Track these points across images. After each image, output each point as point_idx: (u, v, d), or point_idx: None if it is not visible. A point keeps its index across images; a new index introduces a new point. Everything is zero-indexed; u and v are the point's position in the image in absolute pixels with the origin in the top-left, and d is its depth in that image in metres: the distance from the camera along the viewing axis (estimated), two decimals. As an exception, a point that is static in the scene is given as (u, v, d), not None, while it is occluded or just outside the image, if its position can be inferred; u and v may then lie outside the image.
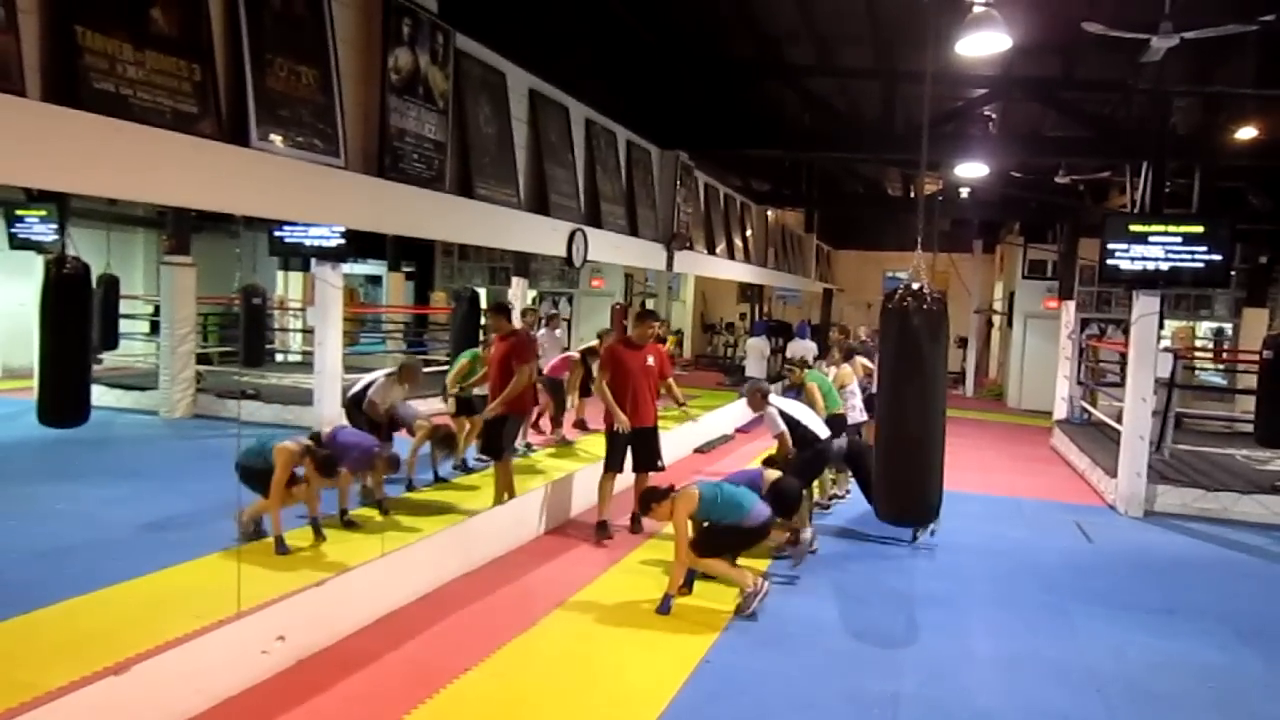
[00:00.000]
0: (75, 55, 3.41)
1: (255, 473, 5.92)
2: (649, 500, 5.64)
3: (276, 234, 10.53)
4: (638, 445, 7.03)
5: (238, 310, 12.20)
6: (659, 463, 7.16)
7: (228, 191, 4.11)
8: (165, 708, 3.81)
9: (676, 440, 10.52)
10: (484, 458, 7.97)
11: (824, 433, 7.09)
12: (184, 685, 3.92)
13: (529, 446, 9.49)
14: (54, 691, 3.54)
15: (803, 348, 13.16)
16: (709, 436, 11.14)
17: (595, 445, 8.62)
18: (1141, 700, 4.65)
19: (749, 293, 21.55)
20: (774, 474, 6.40)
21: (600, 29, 8.87)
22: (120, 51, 3.58)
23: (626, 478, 7.13)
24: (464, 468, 8.49)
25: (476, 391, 8.30)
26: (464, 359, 8.63)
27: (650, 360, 7.09)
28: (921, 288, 4.65)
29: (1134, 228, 8.85)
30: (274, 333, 14.73)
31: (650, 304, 18.44)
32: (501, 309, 7.59)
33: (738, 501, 5.56)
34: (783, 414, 6.98)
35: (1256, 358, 9.31)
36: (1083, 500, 9.55)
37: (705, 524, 5.56)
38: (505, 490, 7.04)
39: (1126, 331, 9.98)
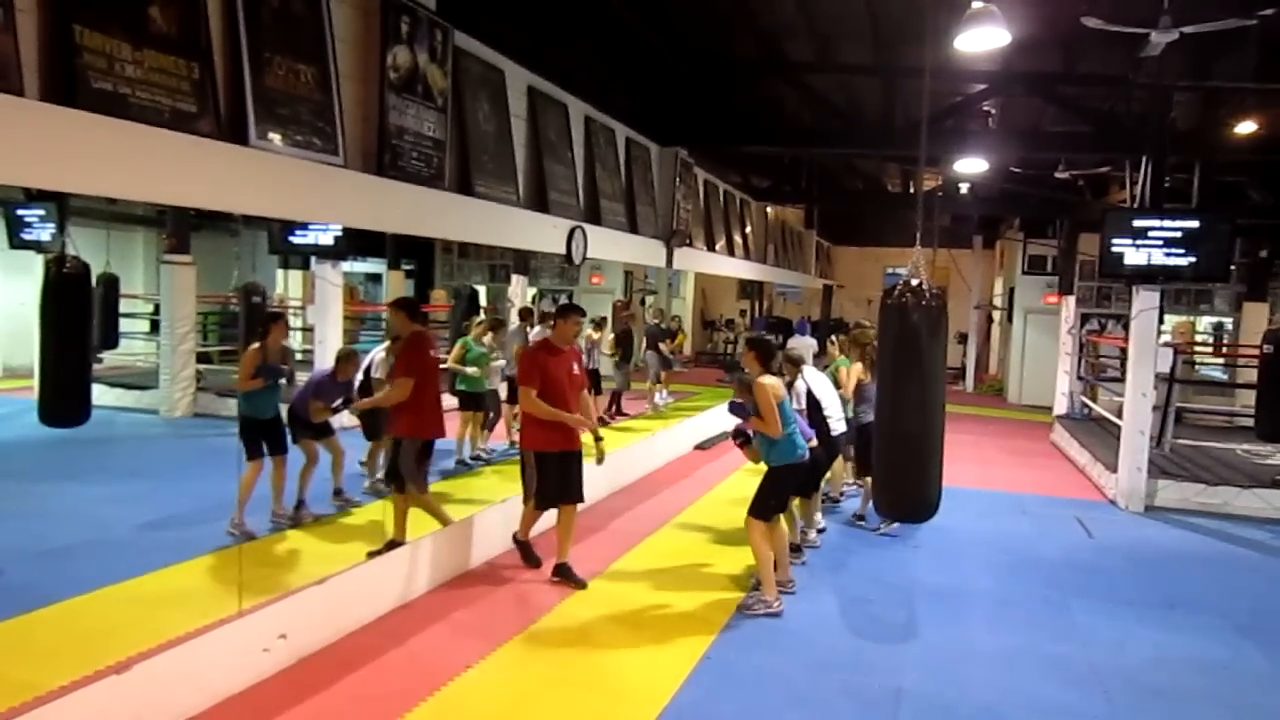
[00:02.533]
0: (73, 54, 3.40)
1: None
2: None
3: (290, 238, 10.36)
4: (565, 472, 5.90)
5: (237, 308, 12.19)
6: (581, 493, 6.05)
7: (226, 190, 4.11)
8: (167, 706, 3.82)
9: (676, 438, 10.56)
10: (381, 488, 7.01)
11: (839, 428, 6.90)
12: (186, 684, 3.93)
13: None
14: (56, 691, 3.54)
15: (803, 344, 13.16)
16: (710, 433, 11.16)
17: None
18: (1142, 695, 4.65)
19: (749, 289, 21.56)
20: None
21: (599, 26, 8.85)
22: (119, 50, 3.57)
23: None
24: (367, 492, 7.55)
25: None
26: (458, 345, 8.88)
27: (575, 368, 6.01)
28: (921, 283, 4.64)
29: (1134, 223, 8.85)
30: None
31: (650, 300, 18.41)
32: (404, 304, 6.51)
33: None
34: (810, 394, 6.72)
35: (1257, 352, 9.31)
36: (1083, 495, 9.56)
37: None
38: (400, 528, 5.89)
39: (1126, 326, 9.98)
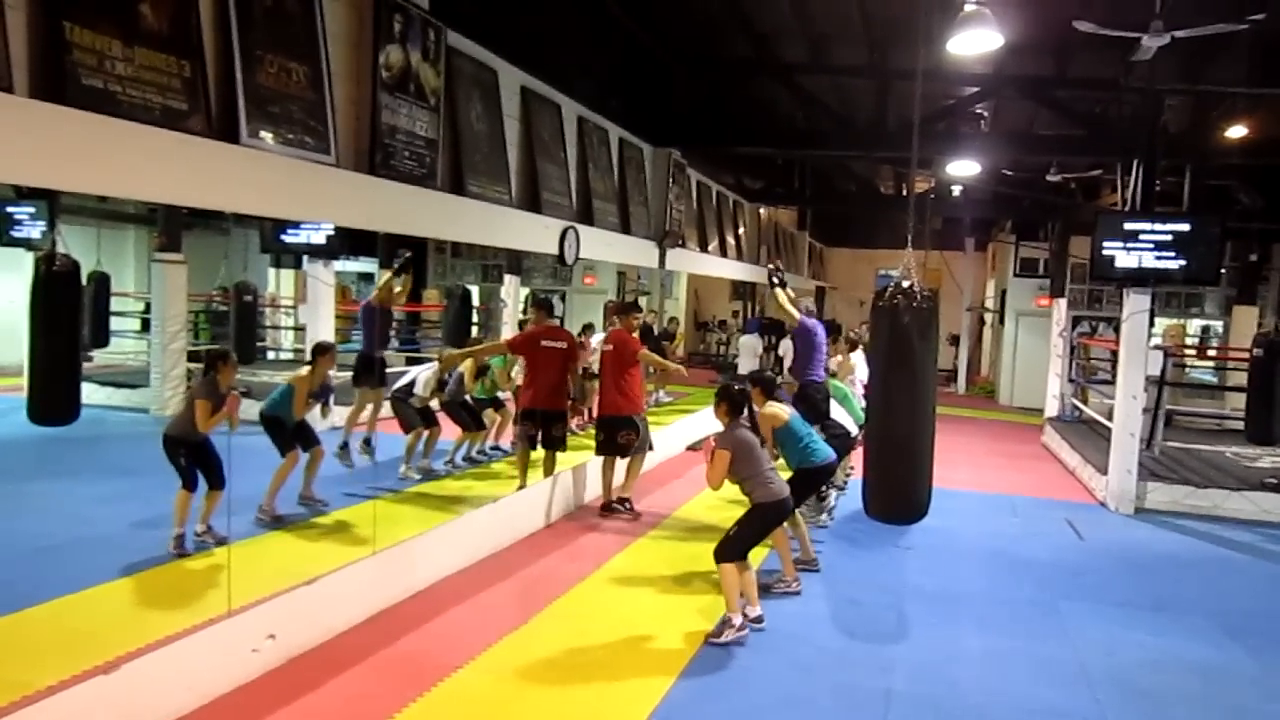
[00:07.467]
0: (63, 51, 3.39)
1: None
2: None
3: (282, 236, 10.31)
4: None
5: (227, 307, 12.16)
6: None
7: (217, 189, 4.10)
8: (156, 706, 3.80)
9: (669, 438, 10.55)
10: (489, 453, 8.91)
11: (854, 429, 7.09)
12: (174, 684, 3.91)
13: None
14: (44, 690, 3.52)
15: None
16: (702, 434, 11.15)
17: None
18: (1131, 696, 4.67)
19: (742, 290, 21.57)
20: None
21: (592, 26, 8.87)
22: (109, 48, 3.57)
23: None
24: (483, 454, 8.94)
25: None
26: (499, 366, 8.68)
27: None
28: (913, 285, 4.66)
29: (1125, 226, 8.88)
30: (265, 330, 14.67)
31: (643, 301, 18.40)
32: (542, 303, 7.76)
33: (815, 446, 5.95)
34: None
35: (1246, 355, 9.35)
36: (1074, 497, 9.59)
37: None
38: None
39: (1117, 329, 10.02)
